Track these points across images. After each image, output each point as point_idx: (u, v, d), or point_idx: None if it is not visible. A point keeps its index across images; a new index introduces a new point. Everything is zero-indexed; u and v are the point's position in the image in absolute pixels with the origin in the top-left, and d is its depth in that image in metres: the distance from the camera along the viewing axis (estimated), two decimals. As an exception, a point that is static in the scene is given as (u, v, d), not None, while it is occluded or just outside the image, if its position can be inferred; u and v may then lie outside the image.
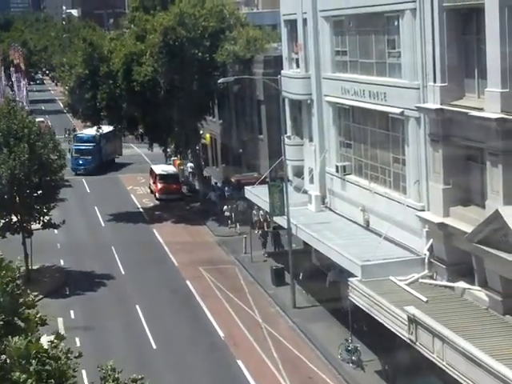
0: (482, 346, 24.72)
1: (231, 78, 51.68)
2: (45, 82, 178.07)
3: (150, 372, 31.41)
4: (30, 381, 12.64)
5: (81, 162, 78.58)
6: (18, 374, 12.76)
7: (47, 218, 47.71)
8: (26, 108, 70.58)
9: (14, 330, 14.01)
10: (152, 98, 57.49)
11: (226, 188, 60.71)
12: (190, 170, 71.40)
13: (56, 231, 51.68)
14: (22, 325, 14.36)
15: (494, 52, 26.70)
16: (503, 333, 26.23)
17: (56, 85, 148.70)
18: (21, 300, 14.70)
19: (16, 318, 14.28)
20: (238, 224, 54.83)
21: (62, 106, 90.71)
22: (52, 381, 13.03)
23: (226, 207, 56.79)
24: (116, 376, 14.00)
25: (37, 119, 54.46)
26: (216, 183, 66.34)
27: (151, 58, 56.99)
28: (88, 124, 69.74)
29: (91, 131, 75.46)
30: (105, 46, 62.08)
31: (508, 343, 25.37)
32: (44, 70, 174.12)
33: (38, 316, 14.23)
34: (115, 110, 61.09)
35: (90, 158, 78.98)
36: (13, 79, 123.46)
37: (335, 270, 38.88)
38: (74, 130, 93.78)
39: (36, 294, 15.55)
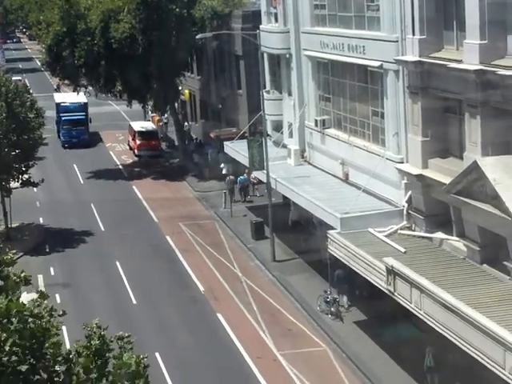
0: (460, 296, 24.99)
1: (209, 33, 51.35)
2: (22, 40, 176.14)
3: (131, 327, 31.43)
4: (10, 340, 12.61)
5: (74, 134, 71.55)
6: (-2, 332, 12.72)
7: (26, 176, 47.57)
8: (3, 67, 69.92)
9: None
10: (130, 54, 57.01)
11: (210, 150, 60.03)
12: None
13: (35, 189, 51.58)
14: (2, 283, 14.23)
15: (473, 4, 26.66)
16: (481, 282, 26.52)
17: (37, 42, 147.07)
18: (-1, 258, 14.59)
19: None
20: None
21: (39, 64, 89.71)
22: (34, 340, 13.01)
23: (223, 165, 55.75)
24: (101, 333, 13.98)
25: (14, 78, 53.95)
26: (197, 139, 66.10)
27: (129, 14, 56.44)
28: (65, 82, 69.03)
29: (73, 98, 72.72)
30: (82, 2, 61.27)
31: (485, 292, 25.65)
32: (21, 28, 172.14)
33: (22, 275, 14.12)
34: (93, 67, 60.60)
35: (83, 128, 72.38)
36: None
37: (296, 210, 39.03)
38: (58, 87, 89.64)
39: (15, 251, 15.30)
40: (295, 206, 40.01)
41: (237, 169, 51.69)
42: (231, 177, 51.66)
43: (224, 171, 52.83)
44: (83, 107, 73.78)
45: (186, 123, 70.34)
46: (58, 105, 74.34)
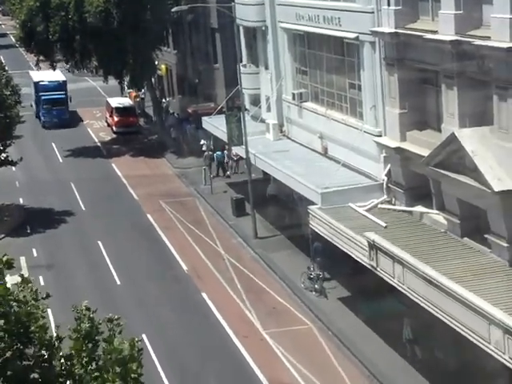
0: (442, 269, 24.97)
1: (184, 6, 50.81)
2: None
3: (116, 308, 31.35)
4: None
5: (55, 113, 69.40)
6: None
7: (4, 155, 47.11)
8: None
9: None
10: (105, 29, 56.42)
11: (189, 126, 59.68)
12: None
13: (14, 169, 51.17)
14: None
15: (447, -27, 26.42)
16: (462, 255, 26.49)
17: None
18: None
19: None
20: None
21: (13, 40, 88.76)
22: (20, 325, 12.89)
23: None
24: (91, 316, 13.88)
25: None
26: (174, 113, 65.68)
27: (103, -13, 55.80)
28: (40, 58, 68.27)
29: (51, 76, 70.59)
30: (55, -24, 60.63)
31: (466, 265, 25.64)
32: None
33: (5, 259, 13.91)
34: (68, 42, 60.12)
35: (63, 108, 70.33)
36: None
37: (273, 184, 38.93)
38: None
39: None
40: (274, 180, 39.90)
41: (216, 145, 51.36)
42: (209, 152, 51.37)
43: (204, 148, 52.48)
44: (62, 86, 71.42)
45: (163, 99, 69.85)
46: (36, 84, 71.90)
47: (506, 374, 23.40)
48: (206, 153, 51.37)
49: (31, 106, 72.33)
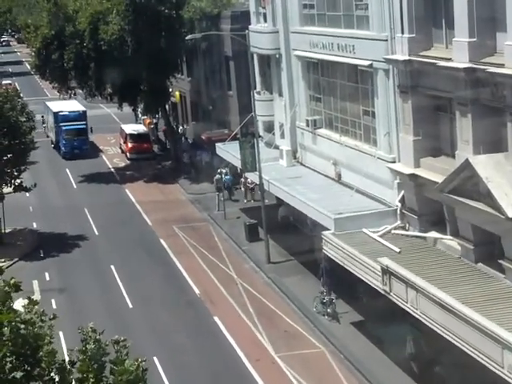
0: (455, 294, 25.00)
1: (199, 34, 51.26)
2: (11, 43, 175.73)
3: (128, 332, 31.44)
4: (3, 350, 12.57)
5: (76, 144, 67.79)
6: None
7: (18, 181, 47.50)
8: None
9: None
10: (119, 56, 56.93)
11: (202, 152, 59.07)
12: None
13: (28, 194, 51.50)
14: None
15: (461, 1, 26.65)
16: (476, 280, 26.53)
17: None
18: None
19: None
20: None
21: (29, 67, 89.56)
22: (27, 346, 12.97)
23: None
24: (97, 337, 13.96)
25: (4, 81, 53.80)
26: (187, 139, 65.86)
27: (117, 16, 56.33)
28: (55, 85, 68.83)
29: (71, 106, 70.40)
30: (70, 5, 61.36)
31: (481, 290, 25.68)
32: (10, 31, 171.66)
33: (12, 282, 14.05)
34: (83, 70, 60.60)
35: (84, 138, 69.10)
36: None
37: (285, 206, 39.09)
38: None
39: (4, 260, 15.15)
40: (284, 203, 40.21)
41: (228, 170, 51.76)
42: (218, 176, 51.60)
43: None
44: (82, 116, 69.98)
45: (181, 126, 70.19)
46: (55, 114, 69.95)
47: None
48: (217, 176, 51.62)
49: (43, 125, 71.32)
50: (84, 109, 71.29)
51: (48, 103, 74.82)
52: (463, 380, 26.50)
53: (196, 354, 32.69)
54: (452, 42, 27.70)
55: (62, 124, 68.61)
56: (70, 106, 70.48)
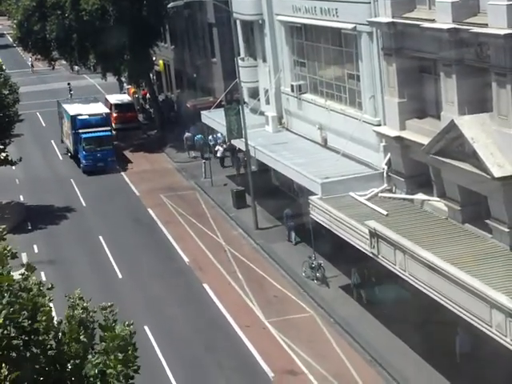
0: (443, 255, 25.11)
1: (181, 1, 50.78)
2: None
3: (117, 301, 31.43)
4: (4, 312, 12.55)
5: (99, 156, 54.49)
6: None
7: (4, 154, 47.22)
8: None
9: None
10: (102, 26, 56.51)
11: (211, 137, 54.11)
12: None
13: (14, 167, 51.20)
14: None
15: (444, -39, 26.53)
16: (463, 241, 26.65)
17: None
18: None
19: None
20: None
21: (11, 40, 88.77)
22: (25, 312, 12.98)
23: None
24: (84, 305, 13.98)
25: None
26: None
27: (98, -15, 55.85)
28: (38, 57, 68.19)
29: (91, 109, 57.94)
30: (50, -25, 60.71)
31: (468, 251, 25.80)
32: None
33: (8, 249, 14.04)
34: (65, 40, 60.20)
35: (110, 148, 55.38)
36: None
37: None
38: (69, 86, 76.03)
39: (4, 227, 15.16)
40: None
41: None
42: (188, 134, 51.69)
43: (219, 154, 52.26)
44: (106, 120, 56.77)
45: (167, 93, 69.88)
46: (73, 118, 56.11)
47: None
48: (186, 134, 51.39)
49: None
50: (107, 111, 59.29)
51: (65, 105, 60.14)
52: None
53: (186, 322, 32.81)
54: (435, 3, 27.58)
55: (80, 131, 55.47)
56: (90, 108, 58.16)
